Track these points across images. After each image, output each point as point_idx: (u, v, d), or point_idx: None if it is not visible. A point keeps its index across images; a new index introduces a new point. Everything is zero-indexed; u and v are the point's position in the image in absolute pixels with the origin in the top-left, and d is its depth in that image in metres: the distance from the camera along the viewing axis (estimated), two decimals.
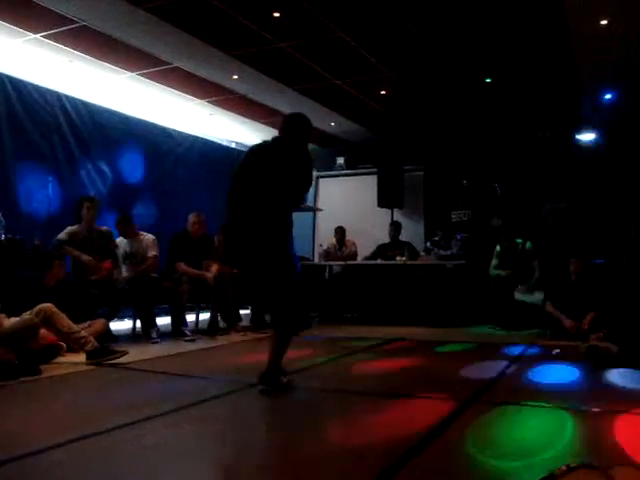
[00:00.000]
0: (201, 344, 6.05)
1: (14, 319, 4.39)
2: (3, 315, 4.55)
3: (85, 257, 6.05)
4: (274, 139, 3.93)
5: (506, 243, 7.53)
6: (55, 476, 2.25)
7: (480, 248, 8.58)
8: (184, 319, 6.49)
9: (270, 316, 3.98)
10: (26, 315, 4.34)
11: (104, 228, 6.52)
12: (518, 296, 7.21)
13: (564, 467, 0.92)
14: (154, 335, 6.08)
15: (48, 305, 4.51)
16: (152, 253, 6.60)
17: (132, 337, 6.42)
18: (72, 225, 6.26)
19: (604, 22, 5.97)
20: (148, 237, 6.74)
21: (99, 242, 6.33)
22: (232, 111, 9.23)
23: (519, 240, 7.50)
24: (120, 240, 6.69)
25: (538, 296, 6.81)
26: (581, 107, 8.81)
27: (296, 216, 3.90)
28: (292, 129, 3.96)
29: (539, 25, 6.19)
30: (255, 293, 3.82)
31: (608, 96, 8.36)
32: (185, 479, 2.25)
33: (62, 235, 6.12)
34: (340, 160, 11.15)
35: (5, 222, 5.81)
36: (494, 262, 7.59)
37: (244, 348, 6.00)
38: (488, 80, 7.88)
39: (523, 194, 9.49)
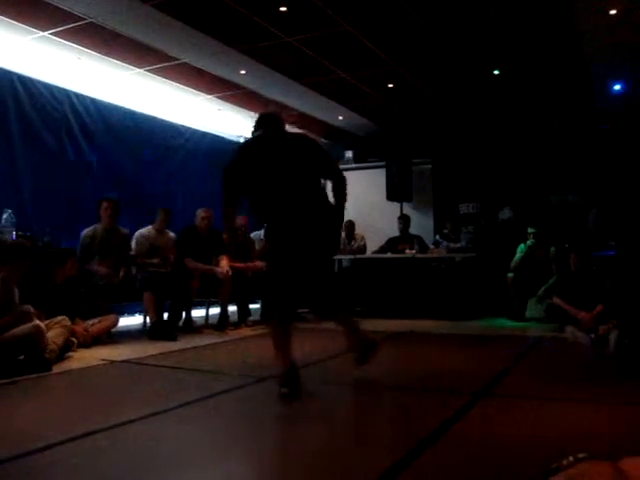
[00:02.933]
0: (211, 339, 6.07)
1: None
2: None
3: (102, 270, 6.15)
4: (266, 135, 3.86)
5: (540, 256, 7.49)
6: (66, 471, 2.27)
7: (489, 240, 8.57)
8: (182, 314, 6.58)
9: (321, 309, 4.00)
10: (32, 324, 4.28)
11: (123, 231, 6.57)
12: (528, 313, 7.26)
13: (571, 458, 0.92)
14: None
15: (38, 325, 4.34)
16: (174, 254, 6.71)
17: (142, 332, 6.44)
18: (86, 226, 6.40)
19: (613, 12, 5.92)
20: (172, 235, 6.86)
21: (117, 243, 6.39)
22: (240, 106, 9.23)
23: (552, 249, 7.43)
24: (148, 231, 6.72)
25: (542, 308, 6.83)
26: (590, 98, 8.75)
27: None
28: (276, 124, 3.94)
29: (547, 15, 6.15)
30: (295, 287, 3.68)
31: (617, 87, 8.30)
32: (195, 473, 2.26)
33: (81, 243, 6.27)
34: (348, 154, 11.13)
35: (16, 219, 5.84)
36: (516, 258, 7.62)
37: (254, 343, 6.01)
38: (496, 72, 7.84)
39: (531, 187, 9.46)
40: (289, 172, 3.61)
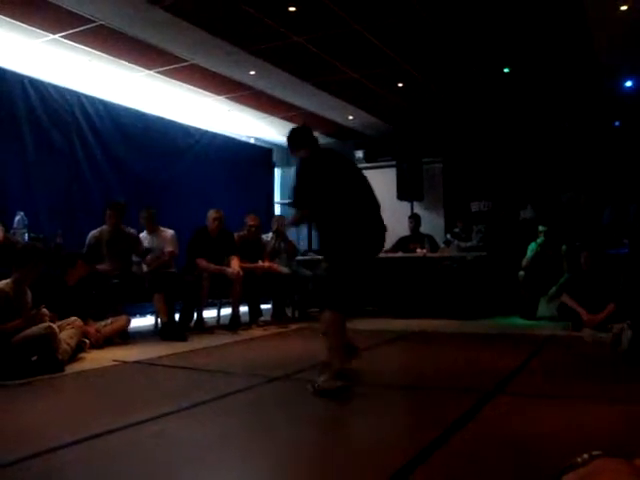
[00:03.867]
0: (222, 339, 6.08)
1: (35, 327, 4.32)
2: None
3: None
4: (325, 150, 4.30)
5: (551, 254, 7.49)
6: (78, 471, 2.27)
7: (501, 239, 8.52)
8: (193, 314, 6.61)
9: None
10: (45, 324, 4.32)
11: (130, 231, 6.58)
12: (540, 312, 7.23)
13: (586, 456, 0.91)
14: None
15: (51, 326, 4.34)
16: (169, 249, 6.67)
17: (154, 333, 6.46)
18: (96, 227, 6.44)
19: (624, 8, 5.88)
20: (168, 232, 6.81)
21: (124, 244, 6.41)
22: (250, 107, 9.24)
23: (564, 247, 7.43)
24: (141, 234, 6.74)
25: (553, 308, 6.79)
26: (601, 95, 8.69)
27: None
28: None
29: (557, 13, 6.11)
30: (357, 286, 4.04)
31: (629, 83, 8.24)
32: (207, 473, 2.26)
33: (88, 242, 6.31)
34: (359, 153, 11.11)
35: (27, 221, 5.87)
36: (528, 256, 7.61)
37: (265, 343, 6.02)
38: (506, 70, 7.80)
39: (542, 185, 9.40)
40: (360, 184, 3.99)
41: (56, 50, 6.68)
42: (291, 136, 4.14)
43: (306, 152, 4.02)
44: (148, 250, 6.62)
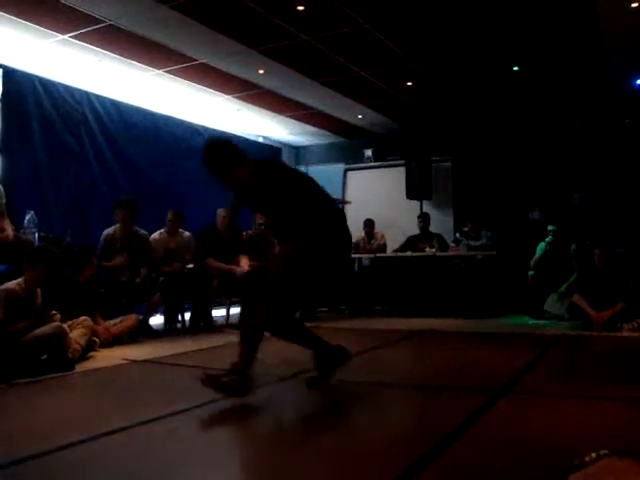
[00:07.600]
0: (232, 338, 6.07)
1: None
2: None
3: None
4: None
5: (560, 253, 7.48)
6: (86, 469, 2.28)
7: (511, 239, 8.50)
8: (202, 314, 6.64)
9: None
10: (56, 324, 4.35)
11: (142, 233, 6.59)
12: (547, 306, 7.17)
13: (593, 454, 0.90)
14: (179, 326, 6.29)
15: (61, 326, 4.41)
16: (188, 256, 6.77)
17: (164, 331, 6.47)
18: (106, 227, 6.48)
19: (635, 5, 5.84)
20: (187, 235, 6.88)
21: (136, 244, 6.42)
22: (259, 106, 9.24)
23: (573, 246, 7.41)
24: (160, 235, 6.75)
25: (563, 307, 6.75)
26: (612, 93, 8.64)
27: None
28: None
29: (567, 10, 6.08)
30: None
31: (639, 81, 8.19)
32: (215, 472, 2.26)
33: (102, 243, 6.34)
34: (368, 152, 11.11)
35: (38, 220, 5.89)
36: (537, 256, 7.60)
37: (274, 342, 6.00)
38: (515, 69, 7.77)
39: (553, 183, 9.35)
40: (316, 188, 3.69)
41: (66, 50, 6.71)
42: (217, 157, 3.82)
43: (250, 167, 3.63)
44: (169, 252, 6.61)
